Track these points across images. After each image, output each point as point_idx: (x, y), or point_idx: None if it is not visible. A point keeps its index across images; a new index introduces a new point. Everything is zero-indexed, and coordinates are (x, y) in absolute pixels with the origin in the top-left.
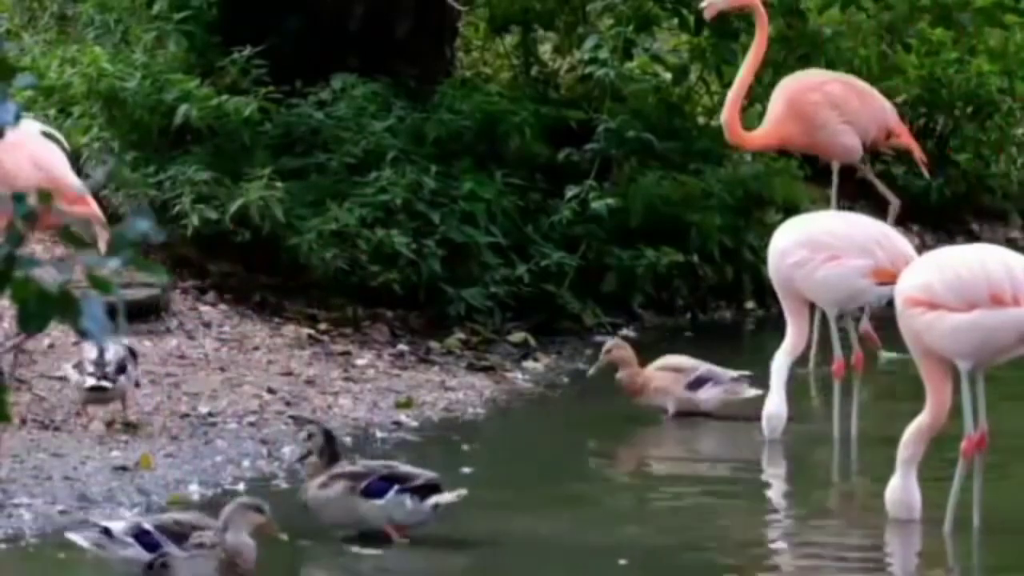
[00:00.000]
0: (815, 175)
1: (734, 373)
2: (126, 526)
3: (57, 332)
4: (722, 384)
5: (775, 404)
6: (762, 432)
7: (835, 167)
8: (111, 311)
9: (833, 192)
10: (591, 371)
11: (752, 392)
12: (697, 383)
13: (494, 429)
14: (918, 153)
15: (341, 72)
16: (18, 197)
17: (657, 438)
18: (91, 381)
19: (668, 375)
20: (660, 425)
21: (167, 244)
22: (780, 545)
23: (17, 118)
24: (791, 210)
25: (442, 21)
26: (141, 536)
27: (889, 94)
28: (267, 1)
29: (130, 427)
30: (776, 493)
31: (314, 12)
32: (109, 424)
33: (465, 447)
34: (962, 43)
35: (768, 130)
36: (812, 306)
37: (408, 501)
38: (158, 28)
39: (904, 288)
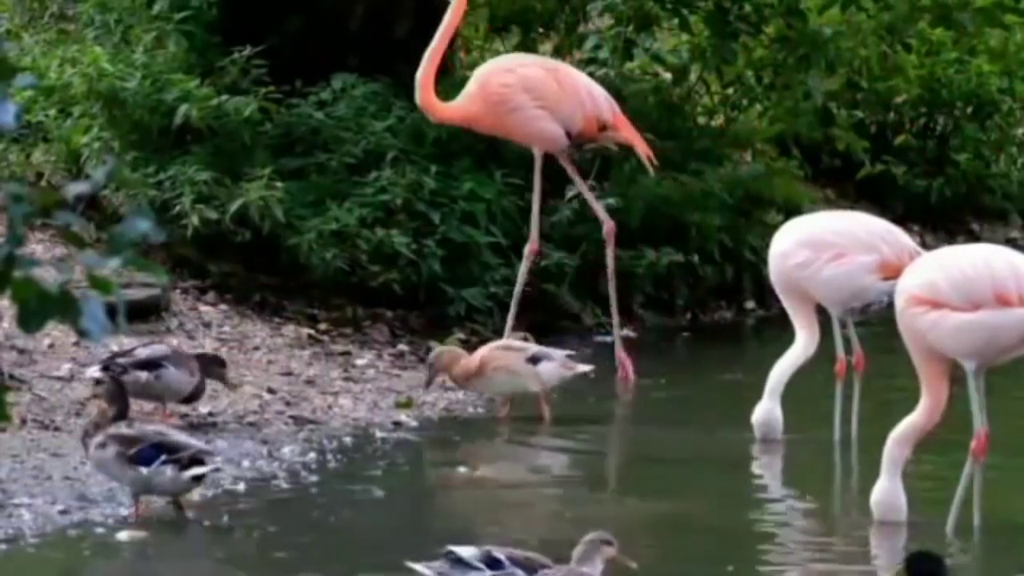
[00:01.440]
0: (815, 175)
1: (564, 351)
2: (476, 552)
3: (57, 332)
4: (556, 361)
5: (765, 410)
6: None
7: (537, 154)
8: (111, 311)
9: (536, 179)
10: (424, 389)
11: (583, 368)
12: (535, 359)
13: (494, 429)
14: (643, 148)
15: (341, 72)
16: (17, 197)
17: (657, 439)
18: (96, 373)
19: (508, 353)
20: (660, 426)
21: (167, 244)
22: (780, 545)
23: (17, 118)
24: (791, 210)
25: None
26: (491, 564)
27: (889, 94)
28: (267, 1)
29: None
30: (776, 493)
31: (314, 12)
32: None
33: (465, 447)
34: (962, 43)
35: (458, 104)
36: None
37: (169, 471)
38: (158, 28)
39: (907, 287)
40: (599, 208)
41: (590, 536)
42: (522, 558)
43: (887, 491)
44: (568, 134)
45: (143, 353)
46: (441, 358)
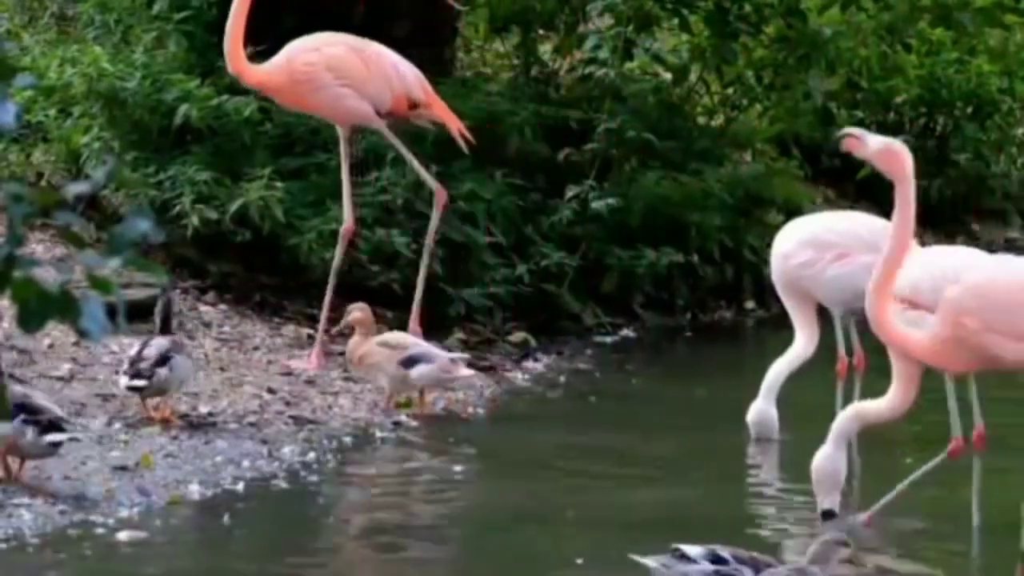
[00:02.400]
0: (815, 175)
1: (451, 354)
2: (702, 550)
3: (57, 332)
4: (435, 363)
5: (760, 410)
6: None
7: (341, 133)
8: (111, 311)
9: (343, 157)
10: (334, 329)
11: (466, 372)
12: (410, 361)
13: (494, 429)
14: (455, 125)
15: None
16: (17, 197)
17: (657, 438)
18: (124, 380)
19: (384, 351)
20: (660, 425)
21: (167, 244)
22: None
23: (17, 118)
24: (791, 210)
25: (442, 21)
26: (717, 561)
27: (889, 94)
28: (267, 1)
29: (130, 427)
30: (775, 493)
31: (314, 12)
32: (163, 420)
33: (465, 447)
34: (962, 43)
35: (265, 70)
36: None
37: (30, 432)
38: (158, 28)
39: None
40: (428, 177)
41: (826, 536)
42: (747, 557)
43: (831, 459)
44: (379, 112)
45: (153, 351)
46: (354, 315)
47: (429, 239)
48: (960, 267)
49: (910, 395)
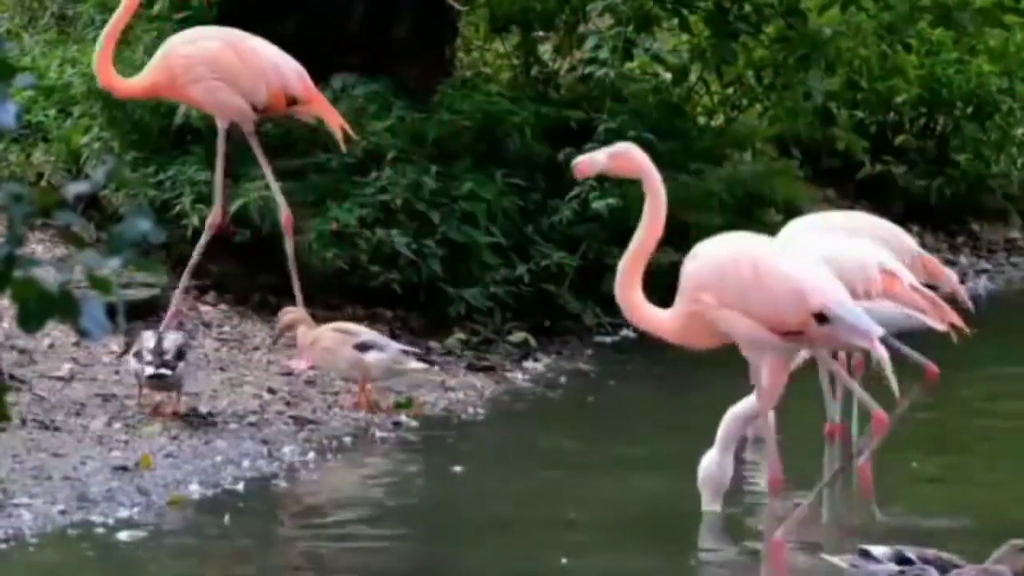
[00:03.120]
0: (815, 175)
1: (400, 345)
2: (888, 551)
3: (57, 332)
4: (388, 352)
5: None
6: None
7: (220, 125)
8: (111, 311)
9: (220, 150)
10: (274, 342)
11: (417, 365)
12: (363, 347)
13: (494, 429)
14: (336, 123)
15: (341, 72)
16: (17, 197)
17: (657, 438)
18: (150, 370)
19: (338, 336)
20: (660, 425)
21: (167, 244)
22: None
23: (17, 118)
24: (791, 210)
25: (442, 21)
26: (903, 562)
27: (889, 94)
28: (266, 1)
29: (130, 427)
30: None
31: (314, 12)
32: (173, 414)
33: (465, 447)
34: (962, 43)
35: (139, 79)
36: None
37: None
38: (158, 28)
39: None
40: (279, 196)
41: (1012, 542)
42: (933, 557)
43: (718, 465)
44: (255, 108)
45: (171, 344)
46: (286, 316)
47: (292, 268)
48: (827, 254)
49: (780, 387)
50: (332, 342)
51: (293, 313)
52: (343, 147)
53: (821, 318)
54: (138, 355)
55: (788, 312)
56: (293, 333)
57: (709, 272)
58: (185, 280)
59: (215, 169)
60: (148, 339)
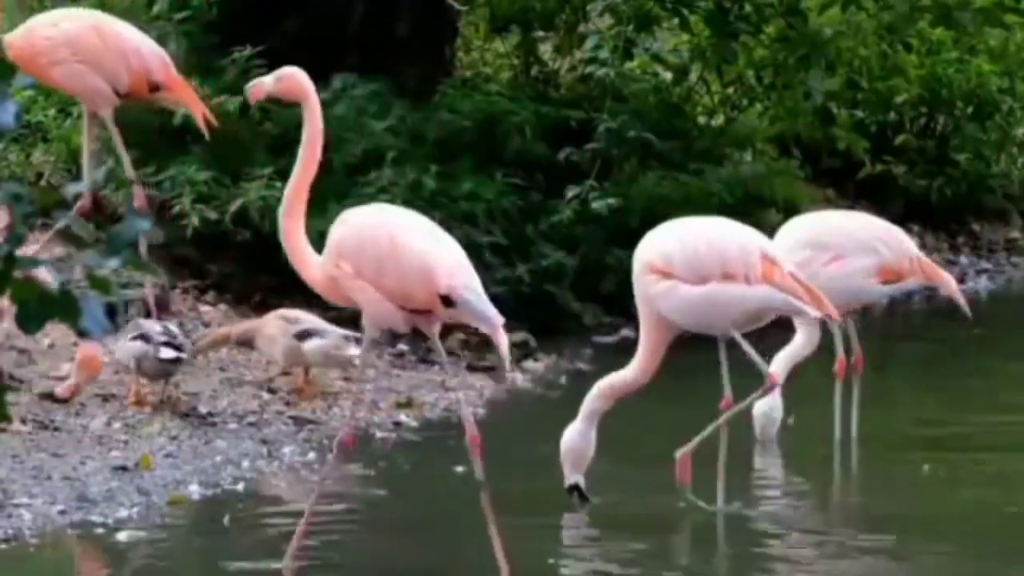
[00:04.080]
0: (815, 175)
1: (342, 331)
2: None
3: (57, 332)
4: (327, 339)
5: (768, 403)
6: (755, 431)
7: (85, 109)
8: (111, 311)
9: (84, 134)
10: (194, 354)
11: (356, 352)
12: (304, 335)
13: (494, 429)
14: (199, 110)
15: (341, 72)
16: (17, 197)
17: (657, 439)
18: (170, 352)
19: (280, 324)
20: (660, 425)
21: (167, 244)
22: (780, 542)
23: (17, 118)
24: (791, 210)
25: (442, 21)
26: None
27: (889, 94)
28: (266, 1)
29: (130, 427)
30: (775, 492)
31: (314, 12)
32: (165, 402)
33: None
34: (962, 43)
35: (9, 38)
36: None
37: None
38: (158, 28)
39: (644, 254)
40: (132, 172)
41: None
42: None
43: (580, 435)
44: (117, 92)
45: (175, 330)
46: (215, 333)
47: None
48: (711, 236)
49: (652, 364)
50: (273, 330)
51: (223, 330)
52: (206, 134)
53: (448, 300)
54: (144, 338)
55: (416, 290)
56: (217, 349)
57: (351, 241)
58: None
59: (83, 154)
60: (149, 324)
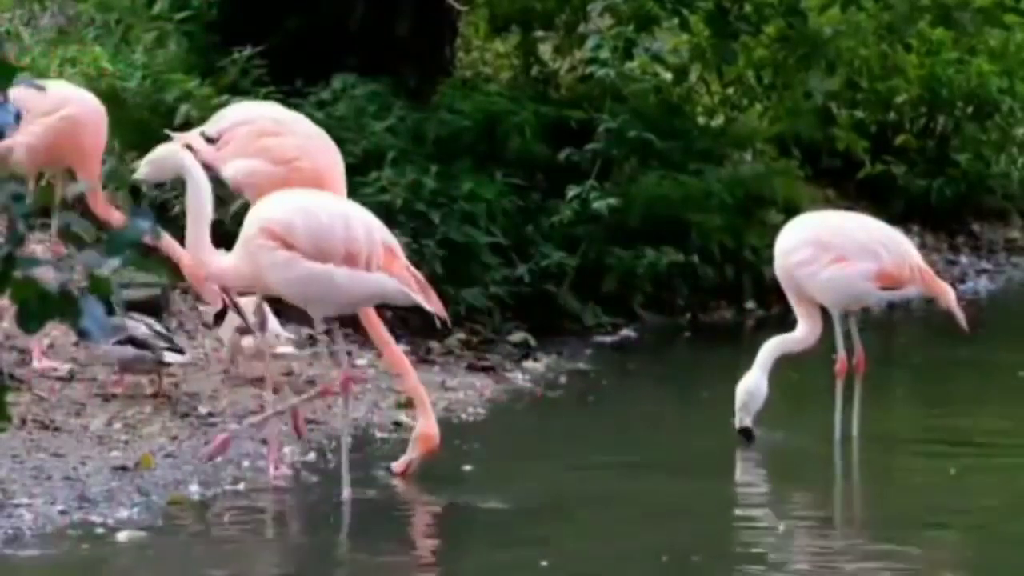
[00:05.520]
0: (815, 175)
1: (279, 330)
2: None
3: (57, 332)
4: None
5: (753, 381)
6: (735, 409)
7: None
8: (111, 311)
9: None
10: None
11: (286, 350)
12: (244, 330)
13: (494, 429)
14: None
15: (341, 72)
16: (17, 197)
17: (657, 438)
18: (175, 356)
19: (230, 315)
20: (660, 425)
21: None
22: (780, 541)
23: (18, 118)
24: (791, 210)
25: (442, 21)
26: None
27: (889, 94)
28: (267, 1)
29: (130, 427)
30: (776, 492)
31: (314, 12)
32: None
33: (465, 447)
34: (962, 43)
35: None
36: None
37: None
38: (158, 28)
39: (263, 217)
40: None
41: None
42: None
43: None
44: None
45: (161, 328)
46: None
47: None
48: (336, 215)
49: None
50: (228, 321)
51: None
52: None
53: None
54: (132, 341)
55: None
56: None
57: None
58: None
59: None
60: (134, 325)
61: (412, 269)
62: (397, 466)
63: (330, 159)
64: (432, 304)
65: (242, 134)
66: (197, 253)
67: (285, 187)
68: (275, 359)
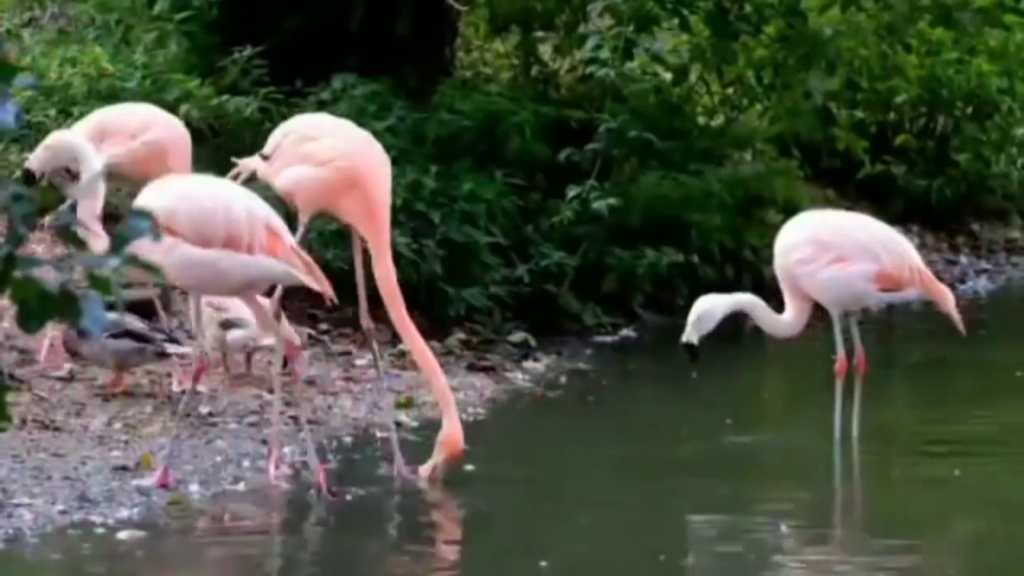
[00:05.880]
0: (815, 175)
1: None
2: None
3: (56, 332)
4: (246, 330)
5: (712, 302)
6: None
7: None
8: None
9: None
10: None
11: (271, 341)
12: (228, 324)
13: (494, 429)
14: None
15: (341, 72)
16: (17, 197)
17: (657, 438)
18: (177, 347)
19: (208, 311)
20: (660, 425)
21: None
22: (780, 540)
23: (17, 118)
24: (791, 210)
25: (442, 21)
26: None
27: (889, 94)
28: (267, 1)
29: (130, 427)
30: (776, 491)
31: (314, 12)
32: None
33: (465, 447)
34: (962, 43)
35: None
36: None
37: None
38: (158, 28)
39: (150, 204)
40: None
41: None
42: None
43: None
44: None
45: (157, 329)
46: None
47: None
48: (218, 198)
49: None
50: (205, 317)
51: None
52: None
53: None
54: (130, 335)
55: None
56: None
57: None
58: None
59: None
60: (131, 320)
61: (298, 249)
62: (423, 471)
63: (372, 159)
64: (319, 284)
65: (287, 145)
66: (89, 239)
67: (331, 190)
68: (269, 352)
